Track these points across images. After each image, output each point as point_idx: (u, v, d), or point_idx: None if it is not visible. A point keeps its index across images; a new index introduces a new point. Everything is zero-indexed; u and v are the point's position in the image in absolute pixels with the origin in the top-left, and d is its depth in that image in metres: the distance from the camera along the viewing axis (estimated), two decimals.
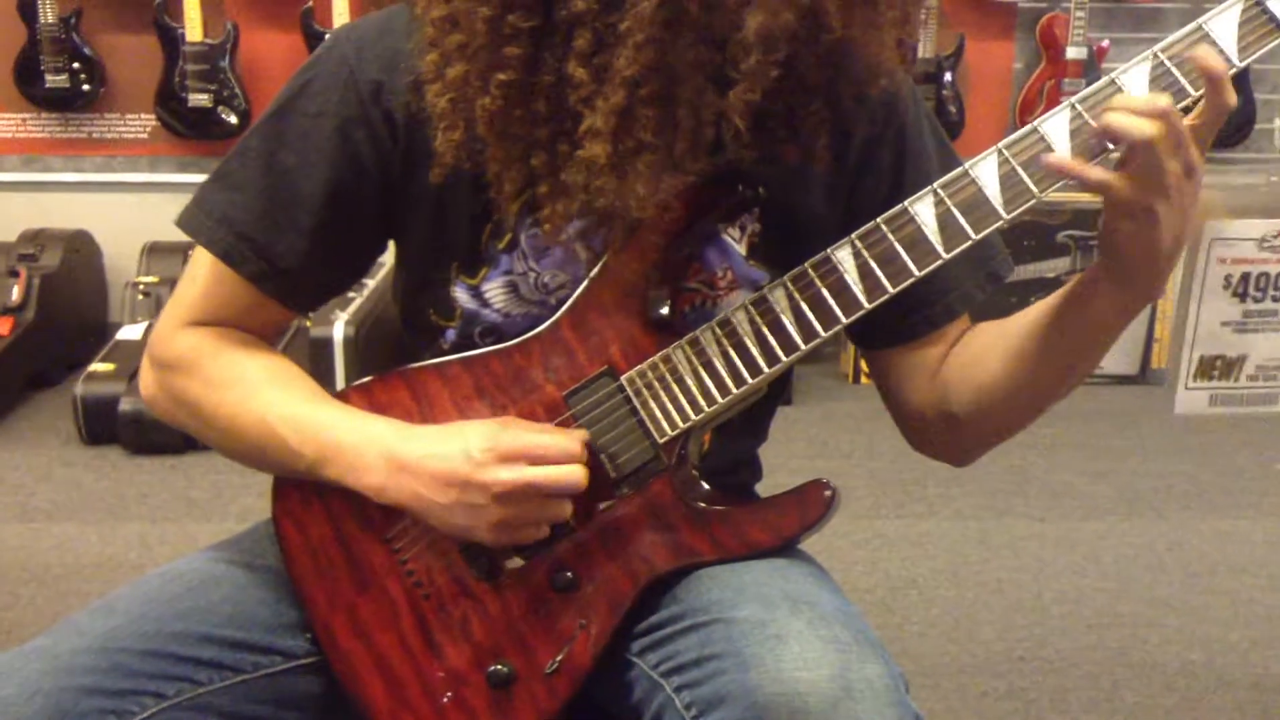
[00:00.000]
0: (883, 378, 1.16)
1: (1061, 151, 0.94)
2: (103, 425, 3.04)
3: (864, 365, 3.61)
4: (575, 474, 0.98)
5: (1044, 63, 3.70)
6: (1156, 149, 0.88)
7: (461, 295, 1.10)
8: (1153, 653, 2.23)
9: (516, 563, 1.04)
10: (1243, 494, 2.93)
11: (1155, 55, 0.93)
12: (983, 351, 1.08)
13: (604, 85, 0.94)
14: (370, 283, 3.35)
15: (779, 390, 1.18)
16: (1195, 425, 3.34)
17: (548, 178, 0.98)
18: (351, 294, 3.24)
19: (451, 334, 1.12)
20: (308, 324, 3.13)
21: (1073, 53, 3.61)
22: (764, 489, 1.23)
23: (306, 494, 1.08)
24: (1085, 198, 3.59)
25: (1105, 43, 3.67)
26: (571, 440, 0.99)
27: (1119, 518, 2.78)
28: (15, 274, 3.40)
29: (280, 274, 1.08)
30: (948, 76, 3.66)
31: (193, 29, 3.48)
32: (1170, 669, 2.18)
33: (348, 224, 1.08)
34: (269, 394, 1.06)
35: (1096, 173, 0.91)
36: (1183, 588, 2.47)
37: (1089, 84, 0.96)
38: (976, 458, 1.16)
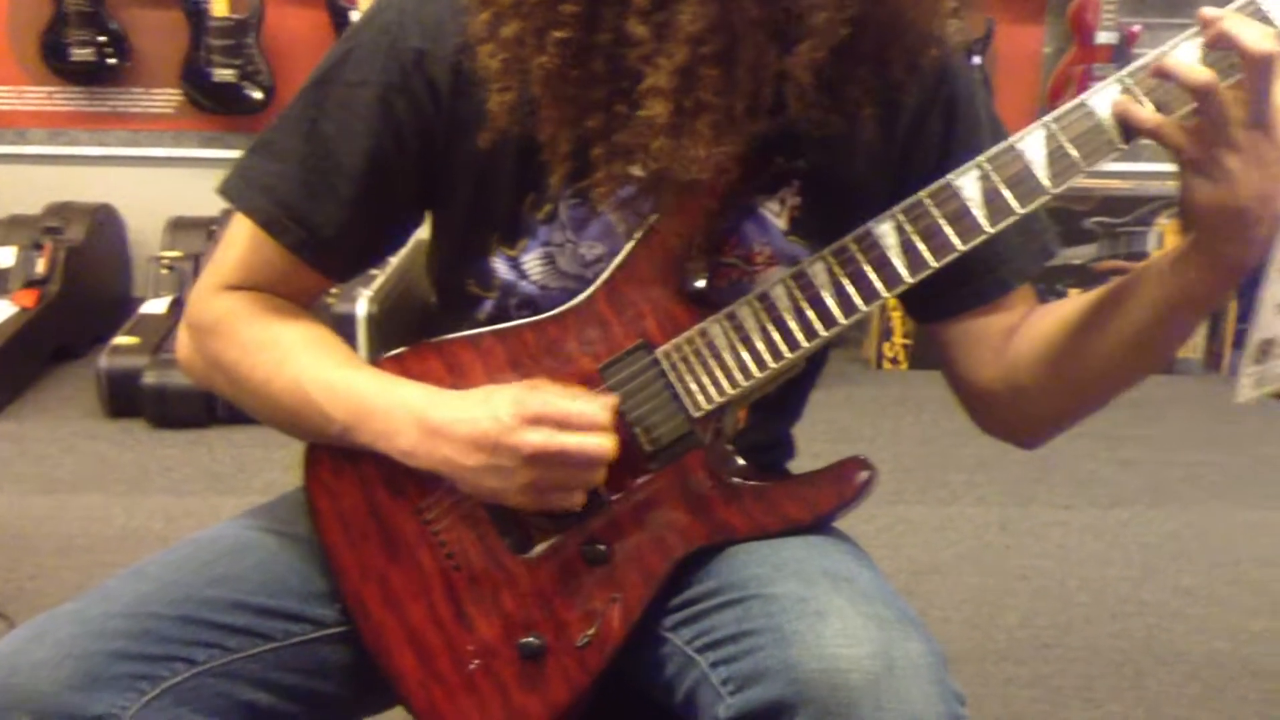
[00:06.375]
0: (943, 353, 1.14)
1: (1111, 125, 0.92)
2: (126, 398, 3.04)
3: (886, 351, 3.60)
4: (603, 443, 0.97)
5: (1074, 47, 3.66)
6: (1215, 96, 0.86)
7: (500, 266, 1.10)
8: (1178, 641, 2.22)
9: (549, 536, 1.03)
10: (1270, 484, 2.90)
11: None
12: (1059, 324, 1.06)
13: (665, 43, 0.92)
14: (393, 260, 3.34)
15: (816, 367, 1.17)
16: (1222, 414, 3.32)
17: (603, 140, 0.97)
18: (374, 271, 3.24)
19: (489, 305, 1.12)
20: (330, 300, 3.13)
21: (1103, 37, 3.58)
22: None
23: (338, 463, 1.08)
24: (1115, 184, 3.56)
25: (1136, 27, 3.63)
26: (600, 408, 0.98)
27: (1144, 506, 2.76)
28: (40, 247, 3.41)
29: (319, 243, 1.07)
30: (976, 60, 3.63)
31: (218, 4, 3.47)
32: (1195, 658, 2.17)
33: (388, 193, 1.07)
34: (303, 359, 1.06)
35: (1148, 113, 0.89)
36: (1208, 577, 2.45)
37: (1119, 69, 0.94)
38: (1045, 440, 1.13)
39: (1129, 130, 0.92)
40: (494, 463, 0.98)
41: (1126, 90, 0.92)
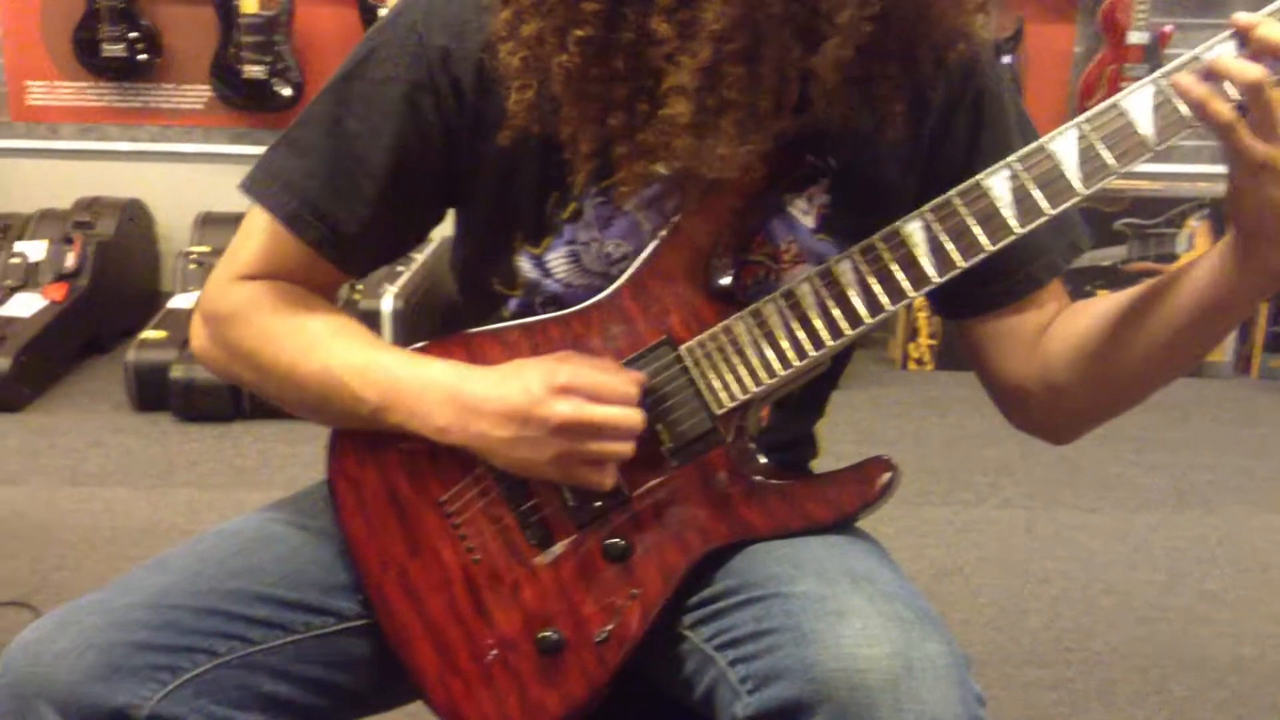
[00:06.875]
0: (975, 349, 1.13)
1: (1144, 128, 0.91)
2: (153, 392, 3.06)
3: (912, 351, 3.58)
4: (632, 416, 0.98)
5: (1105, 47, 3.63)
6: (1264, 94, 0.85)
7: (525, 264, 1.09)
8: (1203, 647, 2.20)
9: (570, 532, 1.03)
10: None
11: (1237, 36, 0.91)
12: (1093, 322, 1.05)
13: (689, 41, 0.91)
14: (419, 256, 3.35)
15: (841, 366, 1.16)
16: (1250, 418, 3.29)
17: (626, 139, 0.96)
18: (400, 267, 3.25)
19: (514, 303, 1.12)
20: (356, 296, 3.14)
21: (1135, 37, 3.55)
22: None
23: (361, 455, 1.08)
24: (1145, 185, 3.53)
25: (1169, 28, 3.60)
26: (628, 381, 0.99)
27: (1170, 510, 2.74)
28: (70, 241, 3.44)
29: (340, 239, 1.07)
30: (1006, 59, 3.61)
31: (248, 1, 3.49)
32: (1221, 663, 2.15)
33: (411, 191, 1.07)
34: (331, 344, 1.06)
35: (1220, 107, 0.88)
36: (1234, 582, 2.43)
37: (1151, 69, 0.93)
38: (1076, 436, 1.13)
39: (1173, 128, 0.91)
40: (525, 434, 0.98)
41: (1160, 92, 0.91)
